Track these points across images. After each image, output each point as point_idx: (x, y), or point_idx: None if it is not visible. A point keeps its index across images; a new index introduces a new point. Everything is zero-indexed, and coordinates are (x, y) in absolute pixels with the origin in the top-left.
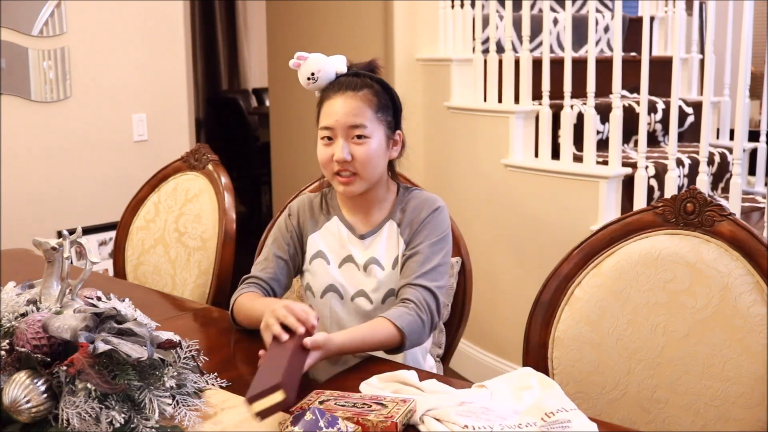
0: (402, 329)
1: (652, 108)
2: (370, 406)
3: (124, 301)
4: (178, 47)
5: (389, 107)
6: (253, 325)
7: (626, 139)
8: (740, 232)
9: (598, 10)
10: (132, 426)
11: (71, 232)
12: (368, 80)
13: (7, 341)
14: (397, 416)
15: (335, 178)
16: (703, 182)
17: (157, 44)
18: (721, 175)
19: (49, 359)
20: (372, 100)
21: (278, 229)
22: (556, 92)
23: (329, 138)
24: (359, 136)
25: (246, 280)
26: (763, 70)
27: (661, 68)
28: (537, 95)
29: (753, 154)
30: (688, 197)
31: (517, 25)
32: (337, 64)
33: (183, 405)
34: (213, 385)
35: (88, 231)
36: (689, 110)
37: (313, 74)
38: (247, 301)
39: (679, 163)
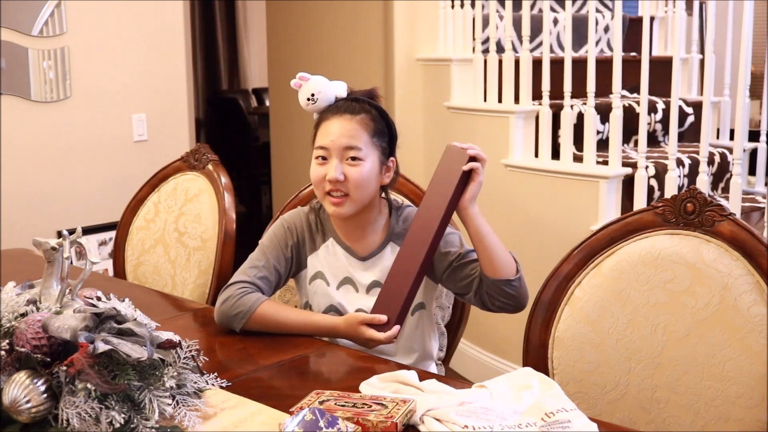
0: (516, 261)
1: (652, 108)
2: (370, 406)
3: (124, 301)
4: (178, 47)
5: (385, 133)
6: (289, 330)
7: (626, 139)
8: (740, 232)
9: (598, 10)
10: (132, 426)
11: (71, 232)
12: (367, 106)
13: (7, 341)
14: (397, 416)
15: (326, 198)
16: (703, 182)
17: (157, 44)
18: (721, 175)
19: (49, 359)
20: (369, 125)
21: (277, 239)
22: (556, 92)
23: (323, 158)
24: (353, 158)
25: (243, 282)
26: (763, 70)
27: (661, 68)
28: (537, 95)
29: (753, 154)
30: (688, 197)
31: (517, 25)
32: (338, 89)
33: (183, 405)
34: (213, 385)
35: (88, 231)
36: (689, 110)
37: (313, 95)
38: (282, 310)
39: (679, 163)
